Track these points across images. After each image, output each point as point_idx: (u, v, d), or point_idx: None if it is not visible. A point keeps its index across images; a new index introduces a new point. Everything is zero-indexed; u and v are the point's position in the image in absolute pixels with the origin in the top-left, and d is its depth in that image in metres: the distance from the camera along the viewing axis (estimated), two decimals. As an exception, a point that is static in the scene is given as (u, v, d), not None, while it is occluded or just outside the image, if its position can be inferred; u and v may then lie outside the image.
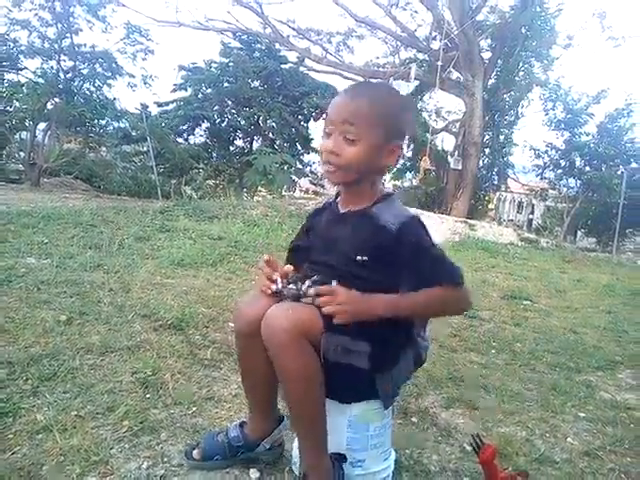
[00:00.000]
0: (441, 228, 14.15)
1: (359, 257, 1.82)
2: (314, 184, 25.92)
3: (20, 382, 2.47)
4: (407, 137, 1.98)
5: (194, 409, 2.48)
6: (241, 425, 2.12)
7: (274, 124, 22.94)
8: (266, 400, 2.08)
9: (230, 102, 23.63)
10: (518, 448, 2.49)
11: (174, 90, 23.83)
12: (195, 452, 2.05)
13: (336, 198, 2.05)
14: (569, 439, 2.69)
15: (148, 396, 2.52)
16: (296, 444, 1.99)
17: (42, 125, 17.28)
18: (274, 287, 1.83)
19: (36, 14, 15.51)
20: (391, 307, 1.74)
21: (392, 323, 1.79)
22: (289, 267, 1.90)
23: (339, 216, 1.98)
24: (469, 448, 2.37)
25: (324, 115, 1.98)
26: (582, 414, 3.02)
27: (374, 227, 1.82)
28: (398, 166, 24.39)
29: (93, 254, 5.38)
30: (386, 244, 1.78)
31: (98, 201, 12.08)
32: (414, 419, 2.70)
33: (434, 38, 23.47)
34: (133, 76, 17.36)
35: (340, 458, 1.87)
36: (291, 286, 1.81)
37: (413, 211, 1.92)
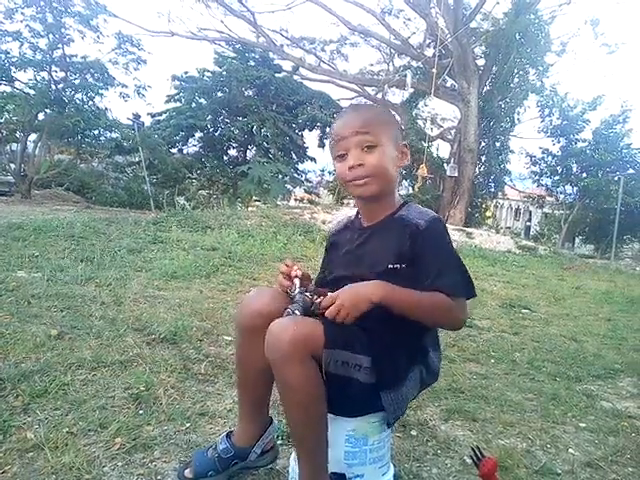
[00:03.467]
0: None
1: (391, 265, 1.82)
2: (309, 193, 25.95)
3: (10, 399, 2.44)
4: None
5: (188, 425, 2.44)
6: (228, 436, 2.11)
7: (268, 133, 22.97)
8: (257, 400, 2.07)
9: (224, 111, 23.69)
10: (519, 460, 2.46)
11: (168, 101, 23.89)
12: (187, 471, 2.02)
13: (357, 215, 2.07)
14: (570, 450, 2.66)
15: (141, 412, 2.49)
16: (293, 458, 1.95)
17: (33, 136, 17.30)
18: (292, 289, 1.86)
19: (27, 25, 15.46)
20: (391, 296, 1.71)
21: (397, 336, 1.78)
22: (306, 273, 1.94)
23: (362, 230, 2.00)
24: (469, 461, 2.33)
25: (329, 140, 2.02)
26: (583, 424, 2.99)
27: (405, 228, 1.83)
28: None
29: (85, 267, 5.35)
30: (416, 242, 1.79)
31: (90, 213, 12.08)
32: (413, 432, 2.66)
33: (428, 45, 23.54)
34: (125, 86, 17.32)
35: (340, 478, 1.83)
36: (307, 294, 1.82)
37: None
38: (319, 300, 1.79)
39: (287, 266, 1.92)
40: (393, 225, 1.88)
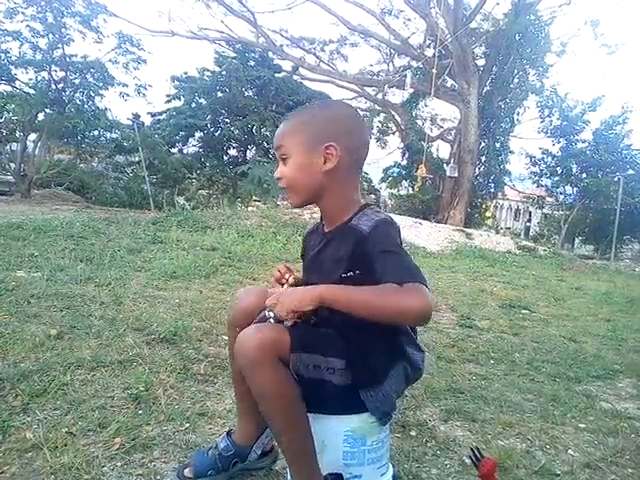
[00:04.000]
0: (438, 237, 14.15)
1: (344, 274, 1.80)
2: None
3: (9, 399, 2.44)
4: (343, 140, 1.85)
5: (187, 425, 2.44)
6: (228, 434, 2.11)
7: (268, 133, 22.95)
8: (253, 398, 2.03)
9: (224, 111, 23.69)
10: (518, 461, 2.45)
11: (168, 101, 23.91)
12: (187, 470, 2.02)
13: (322, 219, 2.04)
14: (570, 451, 2.65)
15: (140, 412, 2.48)
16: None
17: (33, 136, 17.28)
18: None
19: (27, 25, 15.44)
20: (330, 293, 1.65)
21: (373, 338, 1.76)
22: (298, 277, 1.95)
23: (323, 236, 1.97)
24: (468, 461, 2.31)
25: None
26: (582, 425, 2.98)
27: (353, 236, 1.79)
28: (394, 174, 24.54)
29: (84, 267, 5.36)
30: (363, 249, 1.75)
31: (89, 212, 12.07)
32: (412, 432, 2.65)
33: (428, 46, 23.56)
34: (126, 85, 17.31)
35: (337, 478, 1.82)
36: None
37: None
38: None
39: (279, 272, 1.93)
40: (345, 232, 1.84)
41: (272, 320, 1.75)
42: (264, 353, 1.65)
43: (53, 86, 16.06)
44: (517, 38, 19.83)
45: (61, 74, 16.32)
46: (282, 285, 1.88)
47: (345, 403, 1.80)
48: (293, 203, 1.95)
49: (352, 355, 1.74)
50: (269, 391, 1.68)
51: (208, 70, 24.07)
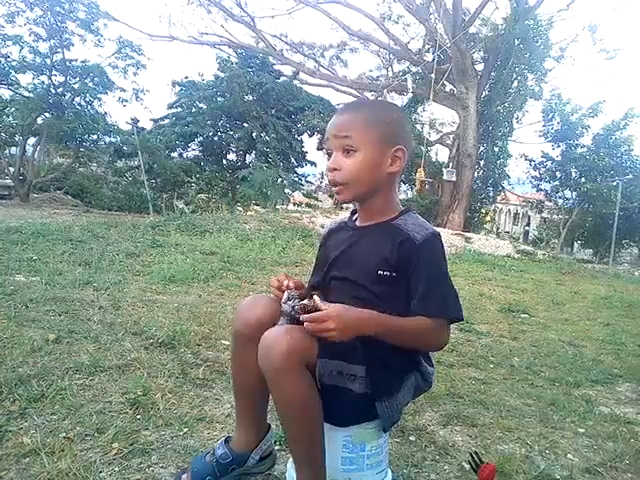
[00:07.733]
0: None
1: (380, 272, 1.80)
2: (308, 197, 25.91)
3: (7, 403, 2.43)
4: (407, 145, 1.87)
5: (185, 430, 2.42)
6: (226, 441, 2.08)
7: (268, 138, 22.97)
8: (255, 407, 2.04)
9: (224, 116, 23.70)
10: (517, 466, 2.44)
11: (171, 106, 23.99)
12: (184, 477, 1.99)
13: (352, 216, 2.03)
14: (569, 455, 2.65)
15: (138, 417, 2.47)
16: (290, 463, 1.93)
17: (32, 140, 17.29)
18: (283, 299, 1.82)
19: (30, 29, 15.45)
20: (382, 329, 1.69)
21: (392, 347, 1.75)
22: (299, 282, 1.92)
23: (359, 230, 1.95)
24: (468, 466, 2.31)
25: (324, 138, 1.94)
26: (582, 429, 2.98)
27: (397, 237, 1.79)
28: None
29: (83, 271, 5.36)
30: (408, 255, 1.76)
31: (88, 216, 12.08)
32: (411, 437, 2.65)
33: (427, 51, 23.60)
34: (125, 90, 17.32)
35: (340, 487, 1.82)
36: (289, 303, 1.77)
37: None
38: (299, 309, 1.74)
39: (278, 281, 1.89)
40: (387, 231, 1.84)
41: (287, 316, 1.75)
42: (291, 360, 1.64)
43: (52, 90, 16.06)
44: (516, 43, 19.82)
45: (61, 78, 16.34)
46: (283, 292, 1.84)
47: (357, 413, 1.80)
48: (344, 198, 1.89)
49: (372, 362, 1.74)
50: (292, 398, 1.67)
51: (211, 80, 24.13)
